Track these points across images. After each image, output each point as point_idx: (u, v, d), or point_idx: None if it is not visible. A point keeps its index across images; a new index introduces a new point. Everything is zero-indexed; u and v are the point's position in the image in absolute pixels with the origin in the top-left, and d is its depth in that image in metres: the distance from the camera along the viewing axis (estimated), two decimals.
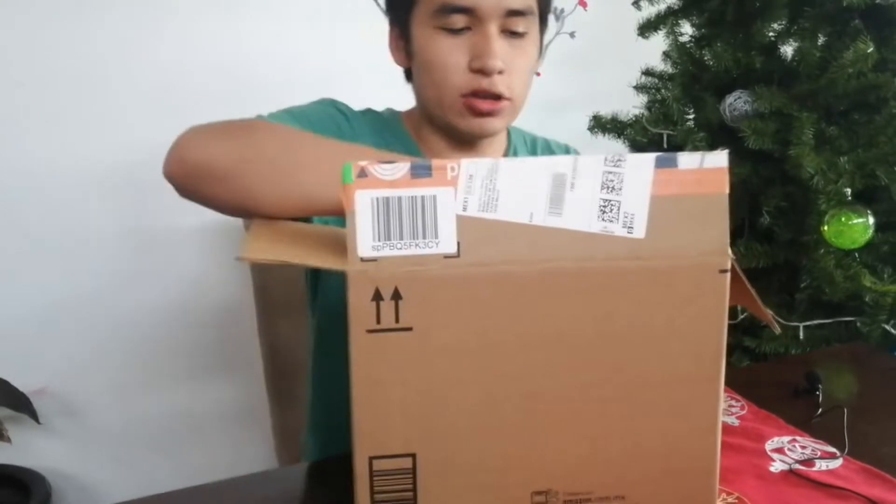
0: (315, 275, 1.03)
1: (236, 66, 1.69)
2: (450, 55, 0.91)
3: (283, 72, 1.68)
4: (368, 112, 1.02)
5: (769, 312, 0.73)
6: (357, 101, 1.02)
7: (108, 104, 1.61)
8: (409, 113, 1.03)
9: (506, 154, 1.04)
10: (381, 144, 0.97)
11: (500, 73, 0.90)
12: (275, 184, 0.74)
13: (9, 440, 1.53)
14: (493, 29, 0.90)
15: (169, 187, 0.78)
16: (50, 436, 1.67)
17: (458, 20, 0.90)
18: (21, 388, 1.56)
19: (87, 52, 1.59)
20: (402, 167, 0.58)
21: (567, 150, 1.13)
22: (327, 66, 1.69)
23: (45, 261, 1.62)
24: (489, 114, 0.92)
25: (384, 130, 0.99)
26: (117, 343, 1.71)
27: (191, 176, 0.76)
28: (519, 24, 0.91)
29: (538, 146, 1.11)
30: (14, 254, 1.60)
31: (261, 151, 0.76)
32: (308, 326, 1.10)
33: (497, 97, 0.91)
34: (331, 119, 0.95)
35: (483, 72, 0.90)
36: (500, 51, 0.90)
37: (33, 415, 1.57)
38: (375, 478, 0.62)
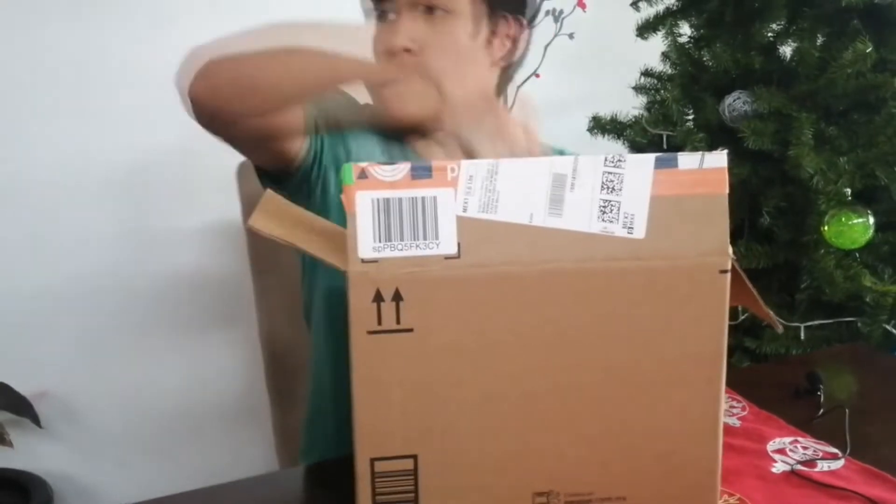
0: (313, 269, 1.02)
1: None
2: (375, 43, 0.91)
3: None
4: (368, 106, 1.02)
5: (770, 312, 0.73)
6: None
7: (109, 104, 1.61)
8: None
9: None
10: (379, 138, 0.97)
11: (408, 51, 0.88)
12: (298, 65, 0.82)
13: (10, 444, 1.52)
14: (403, 8, 0.88)
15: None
16: (51, 439, 1.67)
17: (380, 6, 0.90)
18: (22, 392, 1.56)
19: (87, 52, 1.58)
20: (402, 168, 0.58)
21: (561, 153, 1.12)
22: None
23: (45, 261, 1.62)
24: None
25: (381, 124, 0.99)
26: (117, 344, 1.70)
27: (218, 97, 0.80)
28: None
29: None
30: (14, 254, 1.60)
31: (278, 50, 0.83)
32: (304, 320, 1.09)
33: None
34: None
35: (389, 52, 0.88)
36: (408, 29, 0.88)
37: (34, 419, 1.56)
38: (377, 479, 0.62)
